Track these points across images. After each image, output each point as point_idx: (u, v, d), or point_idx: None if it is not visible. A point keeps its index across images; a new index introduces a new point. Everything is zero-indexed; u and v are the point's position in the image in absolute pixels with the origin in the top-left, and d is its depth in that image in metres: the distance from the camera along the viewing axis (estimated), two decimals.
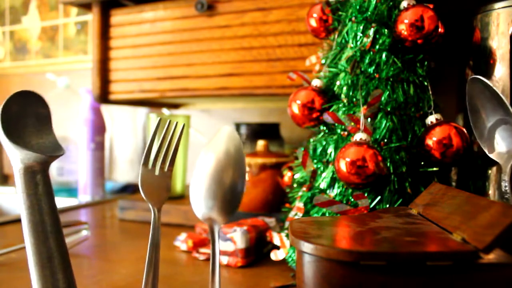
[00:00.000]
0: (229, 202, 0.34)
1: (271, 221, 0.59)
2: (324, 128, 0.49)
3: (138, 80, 0.82)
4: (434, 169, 0.46)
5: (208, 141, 0.35)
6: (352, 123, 0.44)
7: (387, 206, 0.44)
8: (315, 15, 0.53)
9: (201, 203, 0.34)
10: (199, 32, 0.76)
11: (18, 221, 0.74)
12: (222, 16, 0.74)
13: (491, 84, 0.41)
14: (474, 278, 0.28)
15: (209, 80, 0.75)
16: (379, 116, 0.46)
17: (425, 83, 0.48)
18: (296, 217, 0.48)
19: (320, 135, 0.50)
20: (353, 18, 0.48)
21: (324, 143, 0.48)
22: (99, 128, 1.04)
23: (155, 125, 0.36)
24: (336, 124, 0.47)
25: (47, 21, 1.40)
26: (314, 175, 0.48)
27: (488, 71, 0.49)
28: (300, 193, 0.49)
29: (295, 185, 0.52)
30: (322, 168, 0.47)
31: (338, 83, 0.48)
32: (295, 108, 0.49)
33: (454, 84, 0.58)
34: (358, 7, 0.48)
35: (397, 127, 0.46)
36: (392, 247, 0.29)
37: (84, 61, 1.32)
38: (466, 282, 0.28)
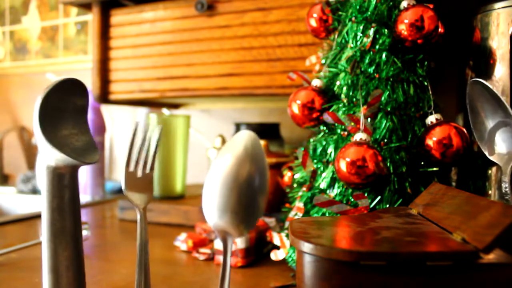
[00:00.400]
0: (245, 209, 0.27)
1: (271, 221, 0.59)
2: (324, 128, 0.49)
3: (138, 80, 0.82)
4: (434, 169, 0.46)
5: (225, 144, 0.34)
6: (352, 123, 0.44)
7: (387, 206, 0.44)
8: (315, 15, 0.53)
9: (213, 211, 0.28)
10: (199, 32, 0.76)
11: (18, 221, 0.74)
12: (222, 16, 0.74)
13: (491, 86, 0.41)
14: (474, 278, 0.28)
15: (209, 80, 0.75)
16: (379, 116, 0.46)
17: (425, 83, 0.48)
18: (296, 217, 0.48)
19: (320, 135, 0.50)
20: (353, 18, 0.48)
21: (324, 143, 0.48)
22: (99, 128, 1.04)
23: (133, 130, 0.36)
24: (336, 124, 0.47)
25: (47, 21, 1.40)
26: (314, 175, 0.48)
27: (488, 71, 0.49)
28: (300, 193, 0.49)
29: (295, 185, 0.52)
30: (322, 168, 0.47)
31: (338, 83, 0.48)
32: (295, 108, 0.49)
33: (454, 84, 0.58)
34: (358, 7, 0.48)
35: (397, 127, 0.46)
36: (392, 247, 0.29)
37: (84, 61, 1.32)
38: (466, 282, 0.28)
